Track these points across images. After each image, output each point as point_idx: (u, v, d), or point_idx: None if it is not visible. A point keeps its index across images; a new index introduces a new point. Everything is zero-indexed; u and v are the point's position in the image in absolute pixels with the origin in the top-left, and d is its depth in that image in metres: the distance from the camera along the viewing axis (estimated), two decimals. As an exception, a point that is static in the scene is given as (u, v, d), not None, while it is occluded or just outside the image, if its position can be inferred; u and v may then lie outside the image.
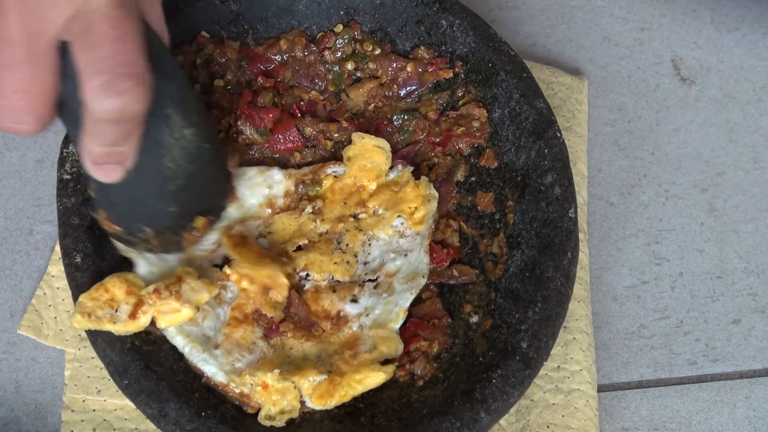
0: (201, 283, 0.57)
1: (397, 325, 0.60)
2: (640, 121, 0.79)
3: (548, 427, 0.62)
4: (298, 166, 0.66)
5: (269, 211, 0.63)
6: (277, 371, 0.55)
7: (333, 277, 0.61)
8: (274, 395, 0.55)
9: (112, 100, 0.42)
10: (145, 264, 0.58)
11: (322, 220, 0.63)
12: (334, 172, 0.64)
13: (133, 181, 0.49)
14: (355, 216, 0.64)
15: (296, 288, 0.60)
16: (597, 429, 0.63)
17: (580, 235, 0.68)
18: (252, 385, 0.55)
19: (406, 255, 0.63)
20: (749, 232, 0.74)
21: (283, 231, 0.63)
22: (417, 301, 0.62)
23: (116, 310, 0.55)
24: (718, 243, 0.73)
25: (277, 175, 0.63)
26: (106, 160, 0.47)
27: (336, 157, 0.66)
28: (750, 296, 0.71)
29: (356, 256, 0.62)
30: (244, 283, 0.59)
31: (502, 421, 0.61)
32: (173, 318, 0.56)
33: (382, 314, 0.60)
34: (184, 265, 0.59)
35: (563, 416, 0.62)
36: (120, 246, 0.58)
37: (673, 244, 0.73)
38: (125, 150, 0.46)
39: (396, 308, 0.60)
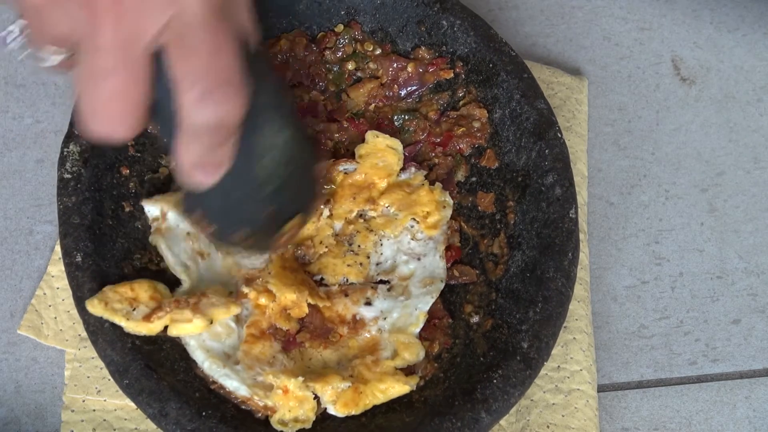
0: (223, 300, 0.57)
1: (418, 329, 0.60)
2: (640, 121, 0.79)
3: (548, 427, 0.62)
4: None
5: None
6: (300, 378, 0.55)
7: (347, 280, 0.61)
8: (292, 401, 0.55)
9: (210, 110, 0.42)
10: (189, 282, 0.59)
11: (330, 215, 0.63)
12: (344, 169, 0.64)
13: (228, 184, 0.48)
14: (363, 214, 0.64)
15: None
16: (597, 429, 0.63)
17: (581, 236, 0.68)
18: (274, 388, 0.55)
19: (419, 259, 0.63)
20: (749, 232, 0.74)
21: (300, 235, 0.62)
22: None
23: (134, 309, 0.55)
24: (718, 243, 0.73)
25: None
26: (202, 165, 0.47)
27: (336, 156, 0.66)
28: (750, 296, 0.71)
29: (369, 257, 0.62)
30: (262, 300, 0.59)
31: (502, 421, 0.61)
32: (185, 328, 0.56)
33: (401, 318, 0.60)
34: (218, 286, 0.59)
35: (563, 416, 0.62)
36: (172, 264, 0.59)
37: (673, 244, 0.73)
38: (221, 155, 0.46)
39: (416, 312, 0.60)
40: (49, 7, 0.41)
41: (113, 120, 0.42)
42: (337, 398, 0.56)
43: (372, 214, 0.64)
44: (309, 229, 0.62)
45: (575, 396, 0.63)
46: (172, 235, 0.60)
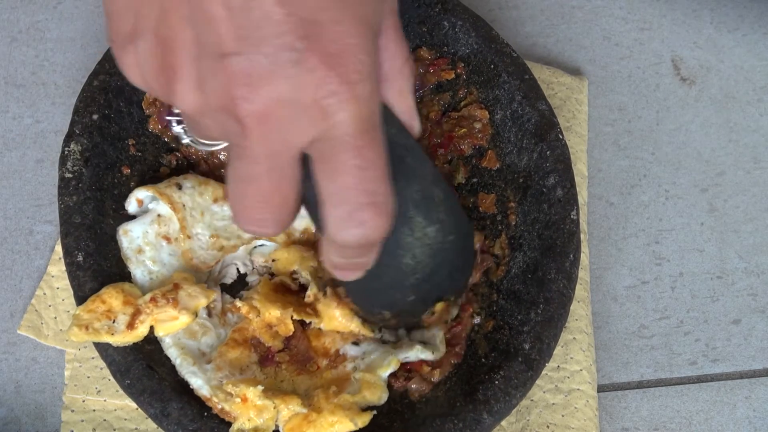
0: (198, 288, 0.57)
1: (386, 373, 0.58)
2: (640, 121, 0.79)
3: (548, 427, 0.62)
4: None
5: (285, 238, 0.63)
6: (260, 387, 0.54)
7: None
8: (251, 410, 0.54)
9: (353, 231, 0.42)
10: (142, 272, 0.58)
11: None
12: None
13: (372, 276, 0.49)
14: None
15: (302, 322, 0.60)
16: (597, 429, 0.63)
17: (581, 236, 0.68)
18: (232, 396, 0.54)
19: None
20: (749, 232, 0.74)
21: (285, 261, 0.62)
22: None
23: (114, 321, 0.55)
24: (719, 243, 0.73)
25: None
26: (346, 270, 0.48)
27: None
28: (750, 296, 0.71)
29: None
30: (251, 315, 0.58)
31: (502, 422, 0.61)
32: (171, 326, 0.56)
33: (376, 360, 0.59)
34: (181, 271, 0.59)
35: (563, 416, 0.62)
36: (125, 250, 0.58)
37: (673, 244, 0.73)
38: (365, 261, 0.47)
39: (390, 357, 0.58)
40: (201, 116, 0.41)
41: (262, 221, 0.43)
42: (287, 420, 0.54)
43: None
44: (294, 255, 0.62)
45: (575, 396, 0.63)
46: (139, 219, 0.60)
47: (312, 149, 0.41)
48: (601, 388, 0.66)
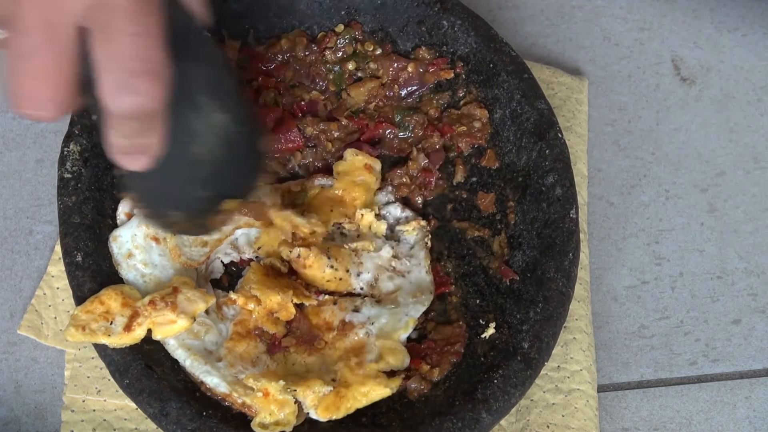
0: (198, 293, 0.57)
1: (405, 334, 0.59)
2: (640, 121, 0.79)
3: (548, 426, 0.62)
4: (294, 176, 0.65)
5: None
6: (281, 382, 0.55)
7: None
8: (273, 405, 0.55)
9: (126, 99, 0.42)
10: (135, 276, 0.58)
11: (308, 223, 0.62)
12: (321, 183, 0.64)
13: (160, 167, 0.48)
14: (340, 227, 0.63)
15: (299, 305, 0.60)
16: (597, 429, 0.63)
17: (581, 236, 0.68)
18: (254, 390, 0.55)
19: (404, 276, 0.62)
20: (749, 232, 0.74)
21: (270, 242, 0.62)
22: (442, 322, 0.62)
23: (111, 323, 0.55)
24: (718, 243, 0.73)
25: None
26: (130, 151, 0.46)
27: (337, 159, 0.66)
28: (750, 296, 0.71)
29: (348, 271, 0.62)
30: (251, 305, 0.58)
31: (502, 421, 0.61)
32: (169, 329, 0.55)
33: (389, 323, 0.59)
34: (180, 275, 0.59)
35: (563, 416, 0.62)
36: (115, 256, 0.58)
37: (673, 244, 0.73)
38: (146, 142, 0.46)
39: (405, 318, 0.60)
40: None
41: (40, 100, 0.42)
42: (318, 402, 0.55)
43: (348, 227, 0.64)
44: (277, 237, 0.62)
45: (575, 396, 0.63)
46: (126, 224, 0.60)
47: (89, 20, 0.41)
48: (601, 388, 0.66)
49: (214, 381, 0.55)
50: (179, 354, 0.56)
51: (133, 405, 0.58)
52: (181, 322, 0.55)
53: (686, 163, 0.77)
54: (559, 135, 0.63)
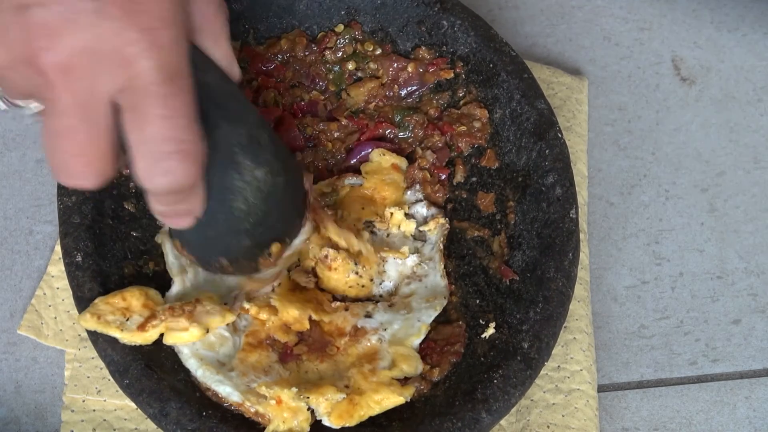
0: (218, 308, 0.57)
1: (418, 341, 0.59)
2: (640, 121, 0.79)
3: (548, 427, 0.62)
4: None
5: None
6: (294, 389, 0.55)
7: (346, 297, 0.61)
8: (286, 412, 0.54)
9: (161, 180, 0.43)
10: (177, 290, 0.59)
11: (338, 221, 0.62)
12: (351, 183, 0.64)
13: (204, 223, 0.49)
14: (371, 226, 0.63)
15: None
16: (597, 429, 0.63)
17: (581, 236, 0.68)
18: (267, 398, 0.55)
19: (420, 280, 0.62)
20: (749, 232, 0.74)
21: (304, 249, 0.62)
22: (442, 322, 0.61)
23: (127, 319, 0.55)
24: (718, 243, 0.73)
25: None
26: (171, 216, 0.48)
27: (335, 157, 0.66)
28: (750, 296, 0.71)
29: (372, 280, 0.62)
30: (263, 315, 0.58)
31: (502, 421, 0.61)
32: (180, 336, 0.55)
33: (402, 329, 0.59)
34: (209, 289, 0.59)
35: (563, 416, 0.62)
36: (170, 264, 0.59)
37: (673, 244, 0.73)
38: (188, 207, 0.47)
39: (418, 323, 0.59)
40: (7, 70, 0.41)
41: (80, 174, 0.43)
42: (331, 410, 0.55)
43: (379, 226, 0.64)
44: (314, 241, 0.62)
45: (575, 396, 0.63)
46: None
47: (120, 99, 0.41)
48: (601, 388, 0.66)
49: (226, 390, 0.55)
50: (191, 363, 0.56)
51: (133, 405, 0.58)
52: (193, 331, 0.55)
53: (686, 163, 0.77)
54: (559, 135, 0.63)
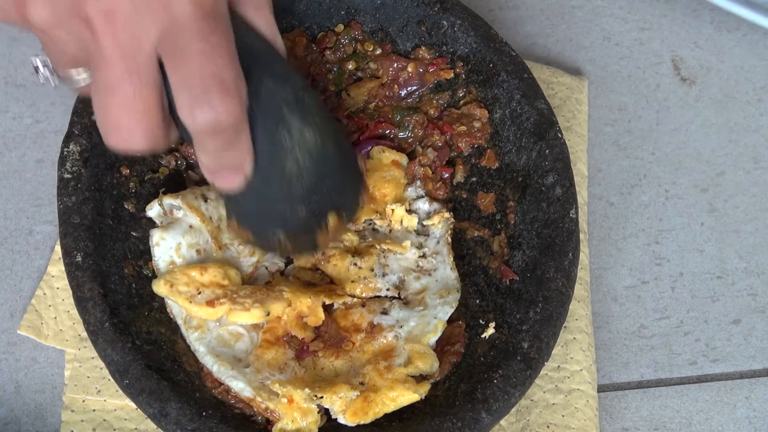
0: (284, 297, 0.58)
1: (435, 338, 0.59)
2: (640, 121, 0.79)
3: (548, 427, 0.62)
4: None
5: None
6: (307, 391, 0.55)
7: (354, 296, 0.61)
8: (296, 412, 0.54)
9: (204, 114, 0.43)
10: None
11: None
12: None
13: (257, 186, 0.49)
14: (372, 224, 0.63)
15: (325, 306, 0.60)
16: (597, 429, 0.63)
17: (581, 236, 0.68)
18: (279, 396, 0.55)
19: (430, 274, 0.62)
20: (749, 232, 0.74)
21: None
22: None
23: (199, 293, 0.56)
24: (719, 243, 0.73)
25: None
26: (220, 169, 0.48)
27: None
28: (750, 296, 0.71)
29: (373, 270, 0.62)
30: (279, 309, 0.58)
31: (502, 421, 0.61)
32: (242, 316, 0.56)
33: (418, 326, 0.59)
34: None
35: (563, 416, 0.62)
36: (156, 261, 0.59)
37: (673, 244, 0.73)
38: (233, 159, 0.47)
39: (434, 321, 0.59)
40: (55, 29, 0.42)
41: (129, 132, 0.43)
42: (346, 408, 0.55)
43: (379, 223, 0.64)
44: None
45: (575, 396, 0.63)
46: (171, 228, 0.60)
47: (162, 45, 0.42)
48: (601, 388, 0.66)
49: (239, 386, 0.55)
50: (207, 360, 0.57)
51: (133, 405, 0.58)
52: (254, 312, 0.56)
53: (686, 163, 0.77)
54: (559, 135, 0.63)
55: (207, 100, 0.42)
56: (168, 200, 0.60)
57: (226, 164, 0.47)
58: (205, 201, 0.61)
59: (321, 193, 0.53)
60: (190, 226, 0.60)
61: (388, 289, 0.62)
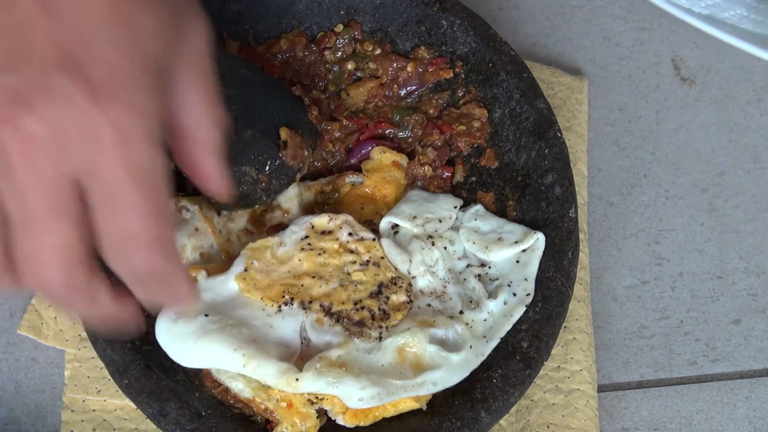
0: None
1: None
2: (640, 121, 0.79)
3: (548, 427, 0.62)
4: (313, 177, 0.65)
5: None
6: (306, 395, 0.54)
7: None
8: (295, 416, 0.54)
9: (124, 266, 0.42)
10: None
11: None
12: (352, 181, 0.64)
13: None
14: (371, 224, 0.63)
15: None
16: (597, 429, 0.63)
17: (581, 235, 0.68)
18: (278, 400, 0.55)
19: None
20: (749, 232, 0.74)
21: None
22: None
23: None
24: (718, 243, 0.73)
25: (292, 189, 0.63)
26: (158, 305, 0.49)
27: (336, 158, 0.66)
28: (750, 296, 0.71)
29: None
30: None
31: (502, 421, 0.61)
32: None
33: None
34: None
35: (563, 416, 0.62)
36: None
37: (673, 244, 0.73)
38: (171, 293, 0.45)
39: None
40: None
41: (44, 266, 0.40)
42: (346, 410, 0.55)
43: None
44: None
45: (575, 396, 0.63)
46: (177, 229, 0.60)
47: (86, 183, 0.39)
48: (601, 388, 0.66)
49: (238, 387, 0.55)
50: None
51: (133, 405, 0.58)
52: None
53: (686, 163, 0.77)
54: (559, 134, 0.64)
55: (131, 262, 0.41)
56: (185, 203, 0.60)
57: (163, 300, 0.47)
58: (218, 215, 0.61)
59: (260, 113, 0.55)
60: (196, 229, 0.60)
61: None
